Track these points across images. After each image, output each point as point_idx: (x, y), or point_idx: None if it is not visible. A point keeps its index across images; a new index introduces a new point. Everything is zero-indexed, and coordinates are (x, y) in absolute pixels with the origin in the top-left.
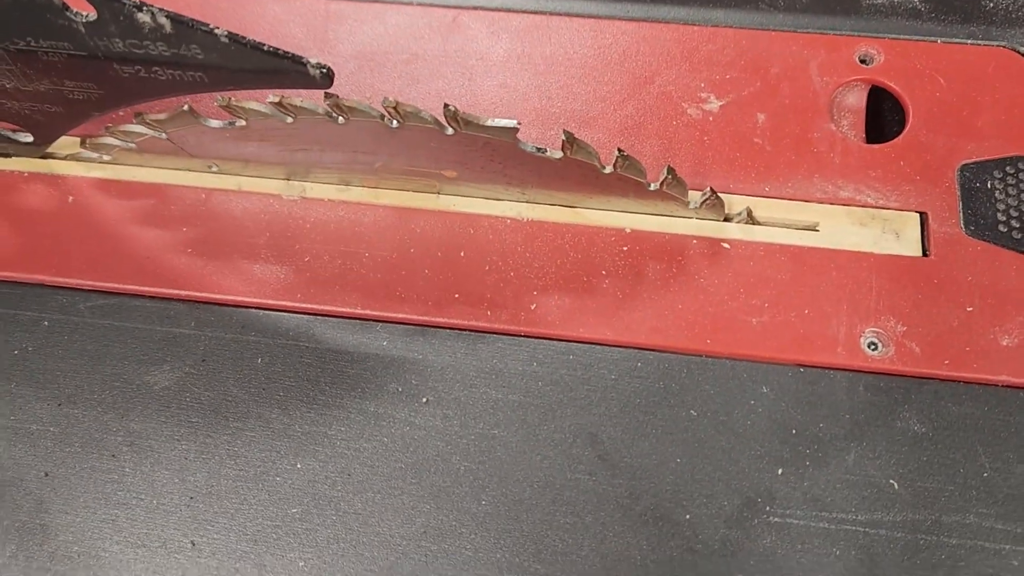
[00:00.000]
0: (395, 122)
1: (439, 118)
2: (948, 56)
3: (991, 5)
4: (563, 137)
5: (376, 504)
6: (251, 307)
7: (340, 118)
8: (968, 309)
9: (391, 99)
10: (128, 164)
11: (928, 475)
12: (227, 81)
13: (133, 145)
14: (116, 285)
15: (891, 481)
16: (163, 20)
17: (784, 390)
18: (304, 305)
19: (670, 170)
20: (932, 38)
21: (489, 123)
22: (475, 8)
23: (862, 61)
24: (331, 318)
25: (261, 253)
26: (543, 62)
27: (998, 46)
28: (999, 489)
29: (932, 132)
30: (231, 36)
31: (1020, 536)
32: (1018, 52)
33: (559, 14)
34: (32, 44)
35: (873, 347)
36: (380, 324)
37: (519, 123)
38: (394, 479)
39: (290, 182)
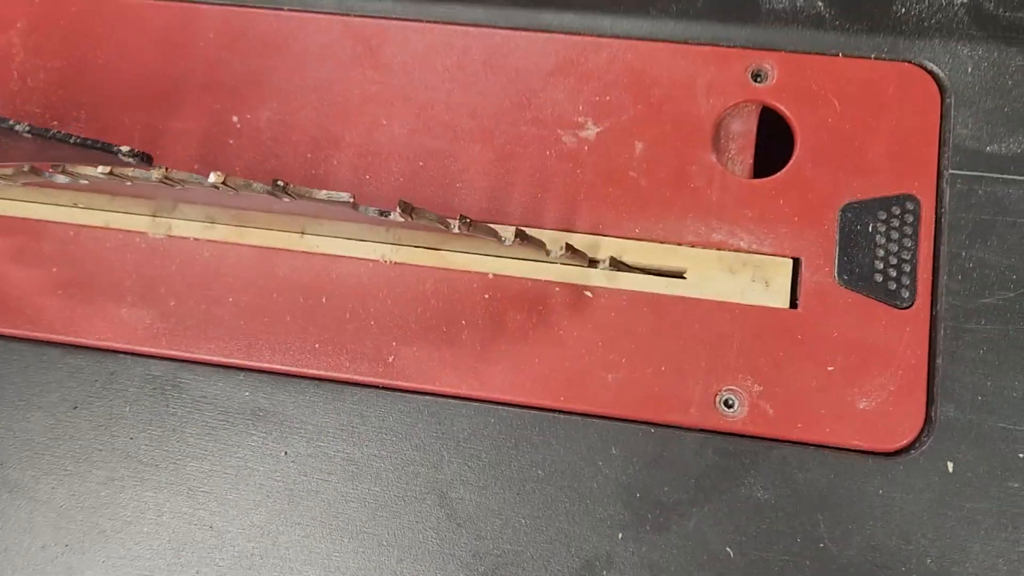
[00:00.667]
0: (230, 192)
1: (271, 187)
2: (848, 73)
3: (903, 12)
4: (399, 208)
5: (236, 555)
6: (120, 352)
7: (177, 185)
8: (829, 369)
9: (219, 173)
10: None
11: (765, 544)
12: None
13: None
14: None
15: (727, 549)
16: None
17: (633, 451)
18: (170, 352)
19: (517, 234)
20: (834, 51)
21: (322, 196)
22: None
23: (755, 77)
24: (197, 364)
25: (128, 297)
26: (395, 77)
27: (905, 61)
28: (833, 560)
29: (818, 165)
30: (32, 130)
31: None
32: (924, 69)
33: (414, 19)
34: None
35: (729, 405)
36: (243, 372)
37: (353, 197)
38: (253, 532)
39: (156, 219)
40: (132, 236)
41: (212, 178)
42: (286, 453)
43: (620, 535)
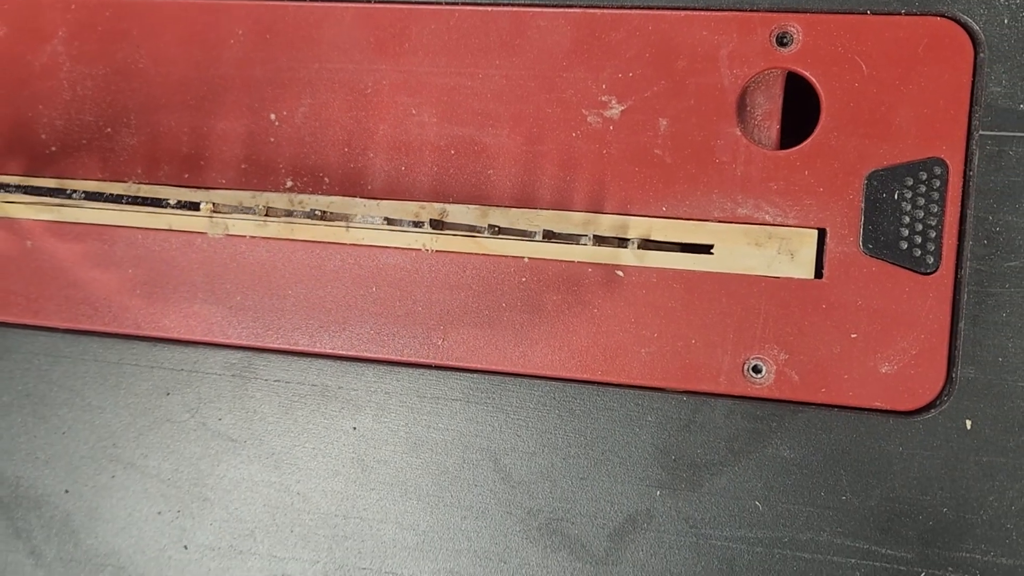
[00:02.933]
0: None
1: (309, 213)
2: (877, 31)
3: None
4: (428, 224)
5: (322, 515)
6: (199, 343)
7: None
8: (852, 336)
9: (263, 207)
10: (68, 207)
11: (790, 498)
12: None
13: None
14: (85, 325)
15: (756, 502)
16: None
17: (668, 417)
18: (243, 342)
19: (545, 233)
20: (862, 9)
21: (358, 221)
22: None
23: (780, 42)
24: (268, 352)
25: (199, 293)
26: (420, 63)
27: (936, 15)
28: (855, 511)
29: (844, 132)
30: (88, 195)
31: (866, 551)
32: (958, 22)
33: (435, 3)
34: None
35: (756, 372)
36: (309, 358)
37: (386, 218)
38: (334, 496)
39: (214, 219)
40: (193, 237)
41: (256, 213)
42: (355, 428)
43: (658, 493)
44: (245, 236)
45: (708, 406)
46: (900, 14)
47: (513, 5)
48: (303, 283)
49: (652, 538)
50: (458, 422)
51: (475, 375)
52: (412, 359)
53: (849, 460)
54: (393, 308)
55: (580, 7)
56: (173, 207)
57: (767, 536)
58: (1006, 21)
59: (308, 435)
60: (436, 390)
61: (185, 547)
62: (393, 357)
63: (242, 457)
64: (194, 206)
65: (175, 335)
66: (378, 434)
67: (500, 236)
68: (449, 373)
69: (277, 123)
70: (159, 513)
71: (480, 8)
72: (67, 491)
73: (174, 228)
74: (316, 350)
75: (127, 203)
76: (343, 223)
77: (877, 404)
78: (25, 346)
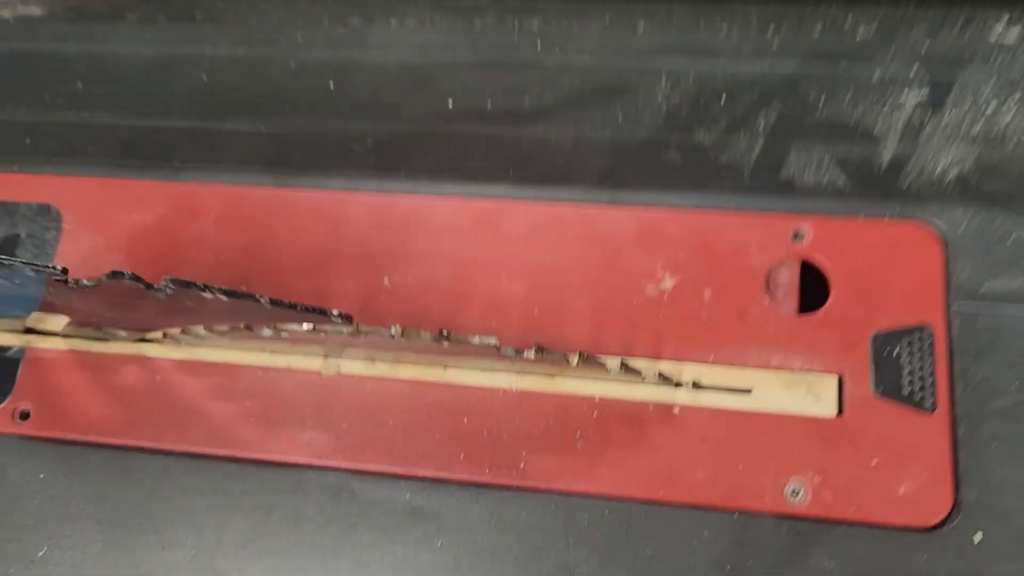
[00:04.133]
0: (402, 339)
1: (436, 335)
2: (868, 231)
3: (907, 183)
4: (534, 350)
5: None
6: (302, 466)
7: (361, 336)
8: (873, 462)
9: (398, 326)
10: (209, 346)
11: None
12: (269, 320)
13: (217, 332)
14: (199, 448)
15: None
16: (221, 297)
17: (722, 532)
18: (343, 464)
19: (581, 355)
20: (856, 214)
21: (475, 341)
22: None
23: (795, 237)
24: (365, 474)
25: (308, 421)
26: (510, 245)
27: (912, 219)
28: None
29: (850, 305)
30: (276, 300)
31: None
32: (929, 225)
33: (523, 199)
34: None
35: (795, 494)
36: (403, 480)
37: (499, 340)
38: None
39: (327, 359)
40: (309, 375)
41: (393, 330)
42: (441, 544)
43: None
44: (355, 375)
45: (756, 523)
46: (885, 219)
47: (584, 203)
48: (402, 414)
49: None
50: (536, 537)
51: (551, 495)
52: (496, 481)
53: (880, 569)
54: (481, 437)
55: (639, 205)
56: (335, 317)
57: None
58: (964, 224)
59: (400, 549)
60: (516, 508)
61: None
62: (480, 479)
63: (338, 570)
64: (349, 319)
65: (282, 459)
66: (463, 549)
67: (575, 378)
68: (528, 494)
69: (389, 286)
70: None
71: (559, 204)
72: None
73: (292, 367)
74: (410, 472)
75: (301, 311)
76: (441, 366)
77: (899, 521)
78: (142, 467)
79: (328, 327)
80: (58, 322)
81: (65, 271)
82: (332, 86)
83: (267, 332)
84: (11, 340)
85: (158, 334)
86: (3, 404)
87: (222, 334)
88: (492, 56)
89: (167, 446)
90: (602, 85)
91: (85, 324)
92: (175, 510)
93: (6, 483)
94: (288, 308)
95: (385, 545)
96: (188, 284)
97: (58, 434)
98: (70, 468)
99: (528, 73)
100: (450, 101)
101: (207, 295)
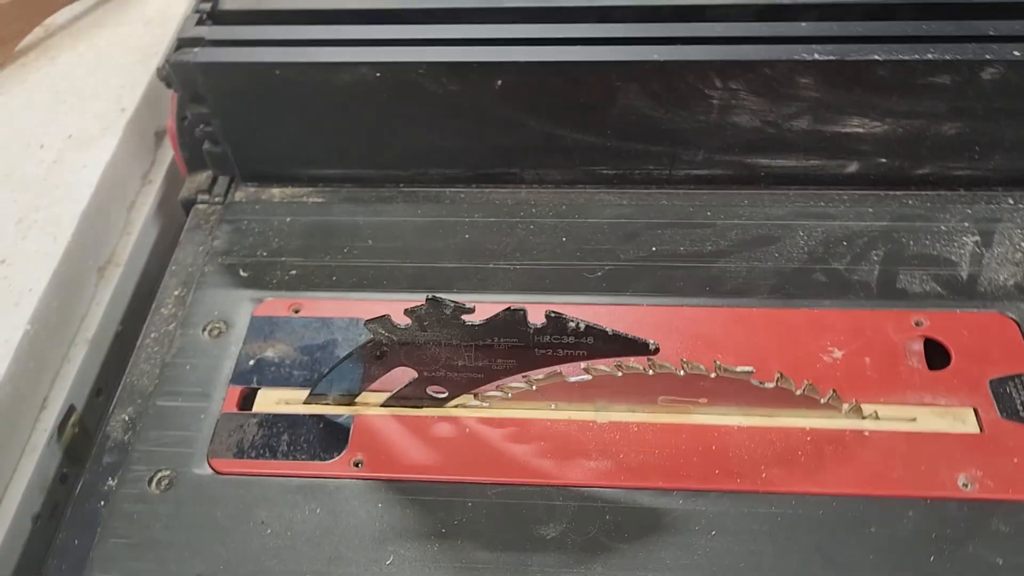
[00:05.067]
0: (682, 371)
1: (709, 368)
2: (967, 319)
3: (985, 286)
4: (777, 375)
5: None
6: (592, 486)
7: (650, 371)
8: (1015, 460)
9: (685, 360)
10: (498, 408)
11: (1019, 553)
12: (595, 355)
13: (509, 395)
14: (509, 479)
15: (997, 559)
16: (581, 325)
17: (921, 514)
18: (627, 484)
19: (833, 392)
20: (955, 308)
21: (739, 370)
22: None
23: (916, 324)
24: (642, 490)
25: (592, 454)
26: (718, 339)
27: (994, 312)
28: None
29: (968, 363)
30: (614, 332)
31: None
32: (1007, 316)
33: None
34: (493, 341)
35: (965, 485)
36: (675, 491)
37: (753, 369)
38: None
39: (598, 412)
40: (587, 423)
41: (684, 365)
42: (714, 533)
43: (932, 558)
44: (622, 421)
45: (943, 505)
46: (977, 311)
47: (764, 308)
48: (665, 446)
49: None
50: (783, 526)
51: (789, 496)
52: (746, 488)
53: None
54: (727, 458)
55: (808, 308)
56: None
57: None
58: None
59: (680, 539)
60: (766, 507)
61: None
62: (734, 488)
63: (634, 558)
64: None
65: (575, 483)
66: (730, 536)
67: (787, 416)
68: (772, 495)
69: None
70: None
71: (746, 309)
72: None
73: (572, 419)
74: (680, 487)
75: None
76: (687, 412)
77: None
78: (463, 493)
79: (629, 364)
80: (379, 398)
81: (472, 309)
82: (564, 239)
83: (573, 379)
84: (342, 410)
85: (459, 401)
86: (340, 456)
87: (536, 382)
88: (677, 219)
89: (479, 479)
90: (759, 237)
91: (401, 398)
92: (490, 524)
93: (352, 514)
94: (620, 337)
95: (671, 536)
96: (562, 317)
97: (387, 475)
98: (402, 501)
99: (706, 229)
100: (653, 248)
101: (572, 325)
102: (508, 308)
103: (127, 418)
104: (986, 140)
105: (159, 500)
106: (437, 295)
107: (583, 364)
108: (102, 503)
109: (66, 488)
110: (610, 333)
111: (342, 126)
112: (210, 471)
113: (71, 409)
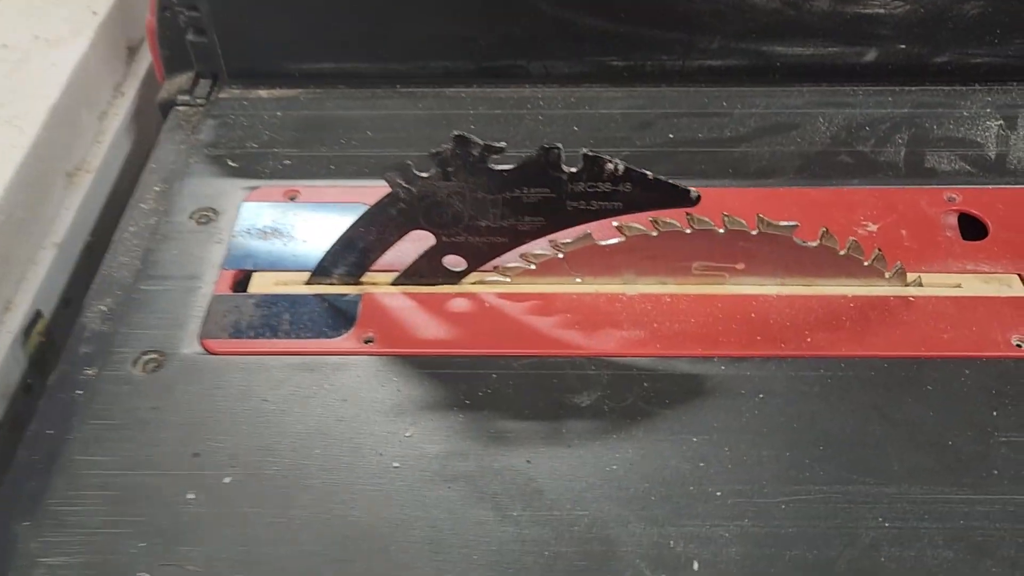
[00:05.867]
0: (722, 229)
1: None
2: (999, 194)
3: (1015, 164)
4: (821, 231)
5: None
6: (626, 355)
7: (687, 229)
8: None
9: (727, 214)
10: (519, 284)
11: None
12: (631, 208)
13: (534, 266)
14: (535, 351)
15: None
16: (620, 166)
17: (979, 371)
18: (663, 352)
19: (879, 251)
20: (985, 185)
21: (783, 224)
22: None
23: (949, 199)
24: (680, 358)
25: (623, 325)
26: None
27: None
28: None
29: (1006, 233)
30: (655, 176)
31: None
32: None
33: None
34: (522, 191)
35: (1020, 344)
36: (716, 358)
37: (798, 224)
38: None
39: (627, 285)
40: (615, 296)
41: (725, 221)
42: (761, 397)
43: (994, 413)
44: (653, 293)
45: (1001, 364)
46: (1011, 187)
47: (794, 187)
48: (701, 314)
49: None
50: (836, 389)
51: (838, 360)
52: (792, 353)
53: None
54: (769, 324)
55: (837, 187)
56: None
57: None
58: None
59: (726, 403)
60: (814, 371)
61: None
62: (779, 353)
63: (681, 427)
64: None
65: (609, 352)
66: (779, 401)
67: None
68: (821, 359)
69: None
70: None
71: (777, 189)
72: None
73: (600, 292)
74: (716, 353)
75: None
76: (720, 282)
77: None
78: (486, 365)
79: (665, 220)
80: (387, 279)
81: (503, 148)
82: (576, 129)
83: (603, 242)
84: (349, 290)
85: (476, 277)
86: (349, 333)
87: (564, 247)
88: (692, 110)
89: (504, 351)
90: (778, 123)
91: (414, 274)
92: (519, 394)
93: (365, 389)
94: (661, 183)
95: (716, 400)
96: (599, 157)
97: (401, 350)
98: (420, 375)
99: (723, 118)
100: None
101: (609, 166)
102: (542, 146)
103: (105, 308)
104: (1007, 21)
105: (145, 382)
106: (465, 133)
107: (615, 222)
108: (80, 391)
109: (31, 401)
110: (651, 178)
111: (338, 12)
112: (202, 352)
113: (38, 314)
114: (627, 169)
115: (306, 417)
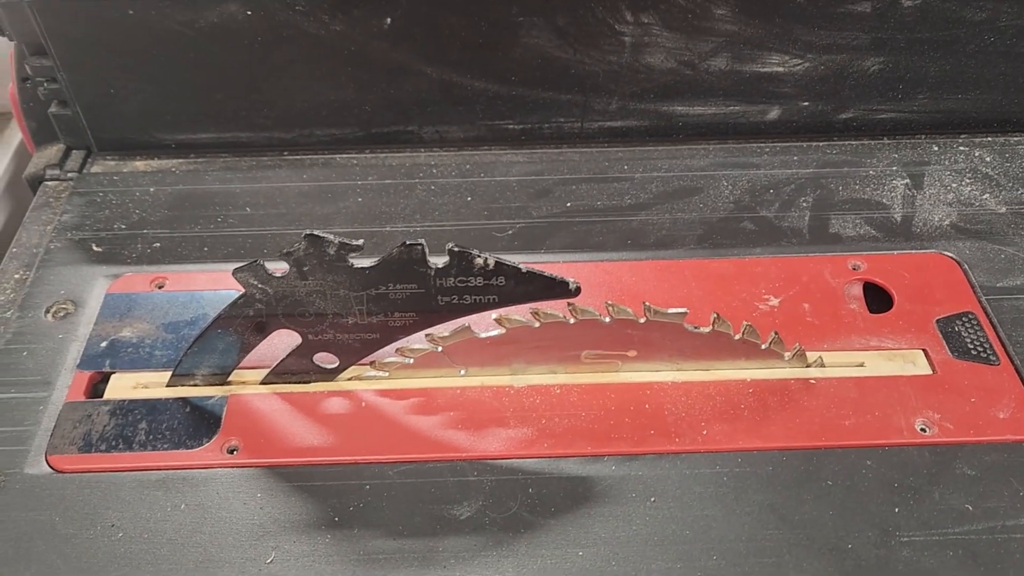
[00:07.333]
0: (608, 318)
1: (638, 313)
2: (905, 260)
3: (921, 227)
4: (712, 316)
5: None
6: (511, 458)
7: (571, 319)
8: (972, 400)
9: (611, 303)
10: (399, 378)
11: (988, 497)
12: (508, 301)
13: (411, 361)
14: (413, 455)
15: (966, 505)
16: (490, 260)
17: (881, 462)
18: (551, 452)
19: (775, 335)
20: (891, 251)
21: (671, 311)
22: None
23: (854, 268)
24: (568, 458)
25: (509, 422)
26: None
27: (933, 252)
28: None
29: (911, 304)
30: (528, 269)
31: None
32: (947, 256)
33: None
34: (388, 288)
35: (923, 430)
36: (606, 457)
37: (686, 310)
38: (636, 550)
39: (515, 376)
40: (502, 389)
41: (609, 309)
42: (654, 500)
43: (896, 509)
44: (542, 384)
45: (904, 452)
46: (917, 252)
47: (693, 259)
48: (592, 408)
49: (905, 542)
50: (731, 486)
51: (735, 454)
52: (686, 448)
53: (1010, 473)
54: (663, 417)
55: (738, 258)
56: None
57: (979, 528)
58: (968, 251)
59: (618, 509)
60: (709, 467)
61: None
62: (672, 449)
63: (566, 531)
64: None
65: (493, 454)
66: (672, 502)
67: (726, 368)
68: (716, 455)
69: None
70: None
71: (675, 261)
72: None
73: (486, 384)
74: (605, 451)
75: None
76: (614, 369)
77: (1007, 438)
78: (358, 475)
79: (546, 312)
80: (257, 376)
81: (361, 246)
82: (469, 199)
83: (483, 335)
84: (214, 391)
85: (353, 372)
86: (210, 443)
87: (441, 340)
88: (592, 175)
89: (379, 458)
90: (680, 188)
91: (284, 372)
92: (396, 505)
93: (225, 507)
94: (536, 276)
95: (604, 506)
96: (467, 252)
97: (267, 461)
98: (286, 488)
99: (623, 183)
100: (568, 203)
101: (479, 261)
102: (404, 243)
103: None
104: (910, 77)
105: None
106: (317, 231)
107: (494, 314)
108: None
109: None
110: (524, 271)
111: (211, 78)
112: (48, 470)
113: None
114: (498, 263)
115: (155, 546)
